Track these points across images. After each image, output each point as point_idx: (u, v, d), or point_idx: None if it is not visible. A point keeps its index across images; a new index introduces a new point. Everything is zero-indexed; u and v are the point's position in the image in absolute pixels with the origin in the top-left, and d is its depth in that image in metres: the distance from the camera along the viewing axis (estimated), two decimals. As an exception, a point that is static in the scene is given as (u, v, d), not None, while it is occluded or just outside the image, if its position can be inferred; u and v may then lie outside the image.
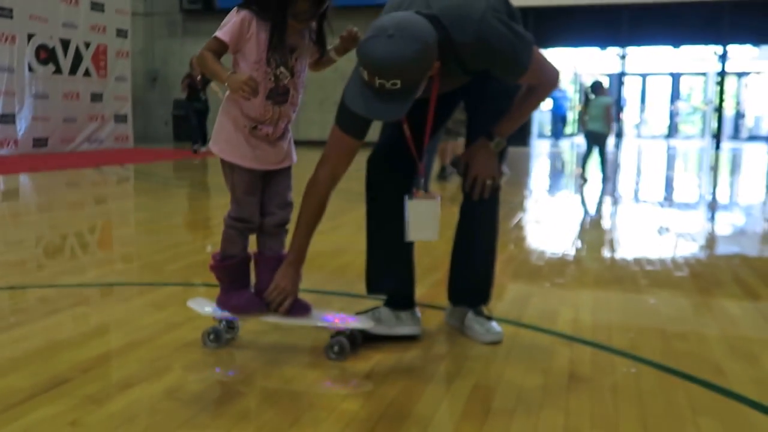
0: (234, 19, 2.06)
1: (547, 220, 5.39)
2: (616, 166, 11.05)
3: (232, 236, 2.24)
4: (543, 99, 2.24)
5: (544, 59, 2.13)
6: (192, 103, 11.56)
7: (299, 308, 2.22)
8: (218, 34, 2.05)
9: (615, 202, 6.54)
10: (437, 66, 1.99)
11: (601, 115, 7.82)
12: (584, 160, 7.99)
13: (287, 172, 2.26)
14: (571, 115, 19.61)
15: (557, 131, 17.84)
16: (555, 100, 17.28)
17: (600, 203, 6.44)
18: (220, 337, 2.25)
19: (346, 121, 2.14)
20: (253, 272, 2.28)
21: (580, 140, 10.32)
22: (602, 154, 7.98)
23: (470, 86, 2.30)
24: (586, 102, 8.10)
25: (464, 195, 2.35)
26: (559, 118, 17.76)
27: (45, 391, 1.87)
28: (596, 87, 8.05)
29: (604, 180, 7.93)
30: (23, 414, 1.72)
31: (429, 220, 2.19)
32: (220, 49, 2.08)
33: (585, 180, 7.82)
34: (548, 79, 2.17)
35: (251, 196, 2.22)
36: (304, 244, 2.22)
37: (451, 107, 2.40)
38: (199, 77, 11.14)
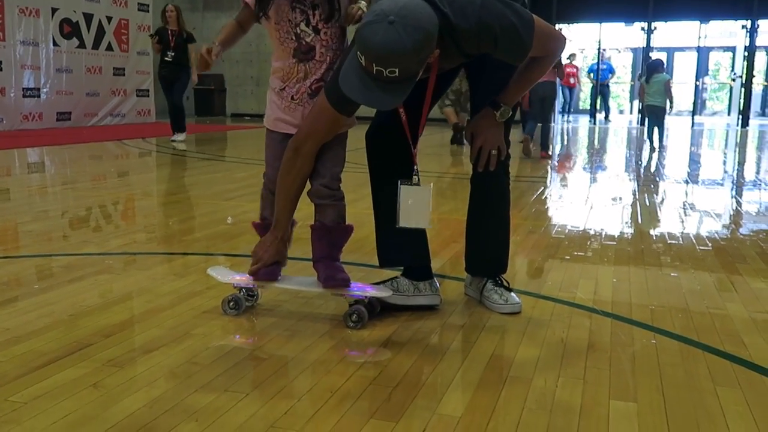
0: None
1: (568, 195, 5.34)
2: (642, 141, 10.91)
3: (264, 196, 2.31)
4: (549, 66, 2.18)
5: (548, 29, 2.07)
6: (162, 66, 8.82)
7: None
8: None
9: (638, 178, 6.46)
10: (437, 53, 1.92)
11: (661, 91, 8.92)
12: (650, 132, 9.11)
13: (328, 143, 2.19)
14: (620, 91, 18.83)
15: (594, 105, 16.77)
16: (592, 72, 16.75)
17: (623, 180, 6.37)
18: (240, 304, 2.27)
19: (340, 100, 2.03)
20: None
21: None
22: (660, 126, 9.07)
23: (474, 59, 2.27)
24: (648, 78, 9.10)
25: (473, 168, 2.34)
26: (599, 91, 16.84)
27: (68, 354, 1.90)
28: (657, 65, 9.18)
29: (660, 149, 8.88)
30: (47, 376, 1.76)
31: (421, 208, 2.14)
32: (245, 15, 2.18)
33: (653, 149, 8.89)
34: (553, 48, 2.12)
35: (271, 158, 2.26)
36: (287, 218, 2.21)
37: (449, 81, 2.36)
38: (173, 32, 8.69)
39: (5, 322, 2.15)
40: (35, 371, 1.78)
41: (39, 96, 10.81)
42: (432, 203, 2.19)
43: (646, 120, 9.41)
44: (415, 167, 2.19)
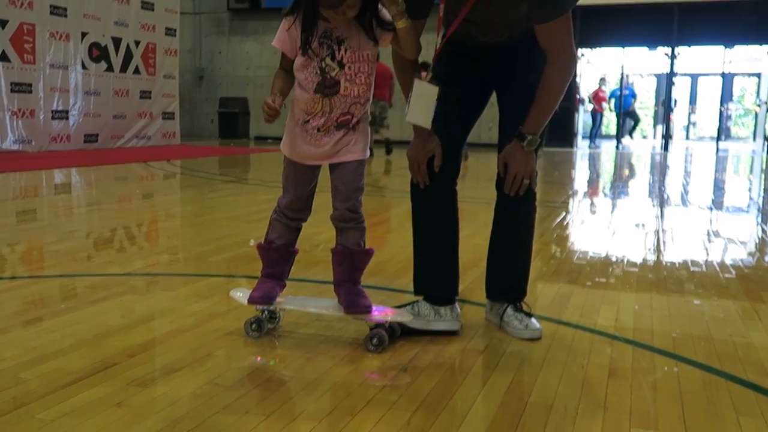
0: (281, 26, 2.12)
1: (590, 220, 5.32)
2: (665, 167, 10.85)
3: (272, 222, 2.32)
4: (562, 81, 2.18)
5: (571, 31, 2.14)
6: None
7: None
8: (273, 43, 2.16)
9: (662, 204, 6.42)
10: None
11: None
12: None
13: (350, 167, 2.19)
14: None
15: (621, 130, 16.72)
16: (614, 97, 16.76)
17: (646, 206, 6.33)
18: (262, 326, 2.29)
19: (409, 5, 2.10)
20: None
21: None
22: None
23: (506, 81, 2.31)
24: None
25: (499, 194, 2.36)
26: (625, 116, 16.87)
27: (93, 373, 1.93)
28: None
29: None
30: (72, 395, 1.78)
31: (426, 105, 2.20)
32: (286, 62, 2.18)
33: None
34: (566, 52, 2.15)
35: (292, 187, 2.26)
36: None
37: (478, 108, 2.41)
38: None
39: (32, 341, 2.19)
40: (61, 389, 1.81)
41: (67, 118, 11.01)
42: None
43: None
44: (428, 68, 2.24)
